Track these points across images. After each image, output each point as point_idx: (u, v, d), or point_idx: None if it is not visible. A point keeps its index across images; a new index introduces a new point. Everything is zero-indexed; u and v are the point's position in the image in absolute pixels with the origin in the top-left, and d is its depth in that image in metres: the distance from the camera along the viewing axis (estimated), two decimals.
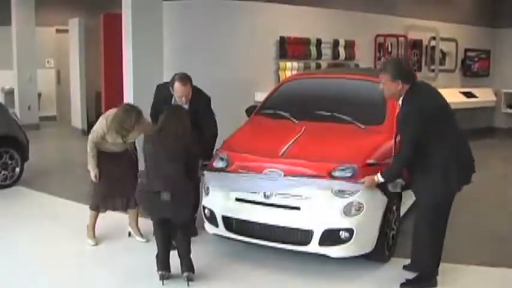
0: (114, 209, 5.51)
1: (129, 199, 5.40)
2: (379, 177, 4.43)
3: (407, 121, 4.23)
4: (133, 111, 5.14)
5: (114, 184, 5.34)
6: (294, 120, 5.51)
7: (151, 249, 4.70)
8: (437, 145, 4.22)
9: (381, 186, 4.58)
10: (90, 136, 5.33)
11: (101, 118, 5.34)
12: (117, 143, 5.30)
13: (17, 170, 7.59)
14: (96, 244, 5.37)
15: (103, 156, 5.32)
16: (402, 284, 4.49)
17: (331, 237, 4.50)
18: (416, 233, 4.46)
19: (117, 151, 5.38)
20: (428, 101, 4.30)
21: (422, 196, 4.38)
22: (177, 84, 5.24)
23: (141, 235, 5.50)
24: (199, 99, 5.43)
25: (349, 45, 10.93)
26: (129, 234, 5.58)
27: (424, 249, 4.42)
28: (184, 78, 5.25)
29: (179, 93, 5.24)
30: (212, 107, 5.62)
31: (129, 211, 5.51)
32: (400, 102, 4.38)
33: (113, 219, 5.69)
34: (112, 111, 5.28)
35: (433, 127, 4.20)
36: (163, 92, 5.53)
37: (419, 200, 4.46)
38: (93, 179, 5.31)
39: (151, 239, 5.22)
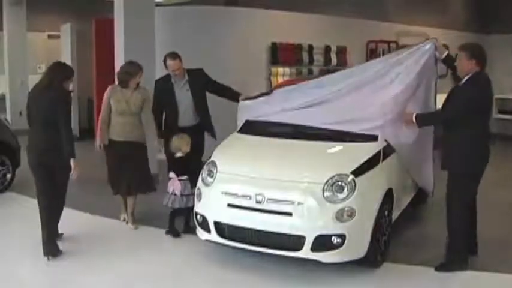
0: (117, 193, 5.95)
1: (131, 186, 5.77)
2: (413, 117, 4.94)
3: (467, 100, 4.74)
4: (136, 63, 5.77)
5: (121, 170, 5.75)
6: None
7: (141, 234, 5.67)
8: (479, 125, 4.86)
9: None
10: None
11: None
12: (123, 110, 5.65)
13: (8, 176, 7.56)
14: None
15: (113, 143, 5.79)
16: (437, 268, 4.71)
17: (323, 242, 4.50)
18: (448, 212, 4.81)
19: (125, 140, 5.69)
20: (489, 90, 4.87)
21: (457, 167, 4.77)
22: (168, 61, 5.90)
23: (133, 222, 5.85)
24: (197, 76, 6.03)
25: (341, 51, 11.00)
26: (124, 219, 6.01)
27: (457, 221, 4.74)
28: (173, 53, 5.92)
29: (171, 68, 5.89)
30: None
31: (129, 198, 5.86)
32: (464, 79, 4.85)
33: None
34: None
35: (483, 111, 4.89)
36: (162, 84, 6.06)
37: (452, 171, 4.81)
38: (97, 148, 5.84)
39: (139, 227, 5.88)
